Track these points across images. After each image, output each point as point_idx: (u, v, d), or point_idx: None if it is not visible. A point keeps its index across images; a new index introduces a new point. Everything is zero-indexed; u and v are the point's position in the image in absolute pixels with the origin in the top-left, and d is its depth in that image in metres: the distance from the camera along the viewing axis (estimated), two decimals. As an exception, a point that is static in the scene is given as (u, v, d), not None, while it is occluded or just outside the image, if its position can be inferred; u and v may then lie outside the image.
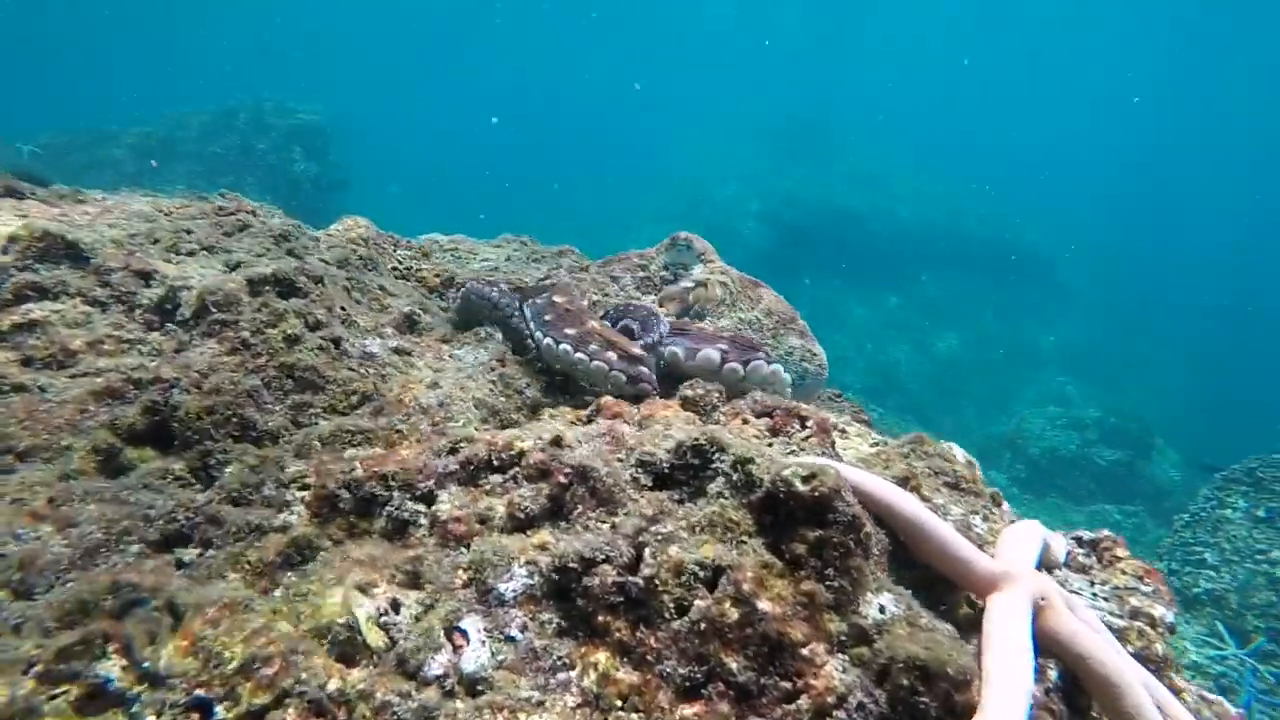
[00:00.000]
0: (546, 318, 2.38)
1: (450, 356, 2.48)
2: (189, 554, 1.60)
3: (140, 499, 1.71)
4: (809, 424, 2.03)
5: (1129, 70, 50.34)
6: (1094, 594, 1.80)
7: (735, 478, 1.58)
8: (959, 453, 1.99)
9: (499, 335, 2.66)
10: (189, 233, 2.75)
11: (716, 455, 1.63)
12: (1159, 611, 1.78)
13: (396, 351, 2.36)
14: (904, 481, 1.71)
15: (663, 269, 3.43)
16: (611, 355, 2.23)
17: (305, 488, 1.73)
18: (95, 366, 2.12)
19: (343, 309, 2.51)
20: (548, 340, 2.32)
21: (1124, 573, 1.82)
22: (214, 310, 2.25)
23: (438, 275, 3.62)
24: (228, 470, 1.79)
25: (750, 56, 50.00)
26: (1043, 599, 1.50)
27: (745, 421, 2.07)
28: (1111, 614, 1.72)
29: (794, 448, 1.99)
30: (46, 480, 1.74)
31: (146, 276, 2.40)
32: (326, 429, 1.93)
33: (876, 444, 2.17)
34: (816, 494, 1.47)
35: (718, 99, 41.82)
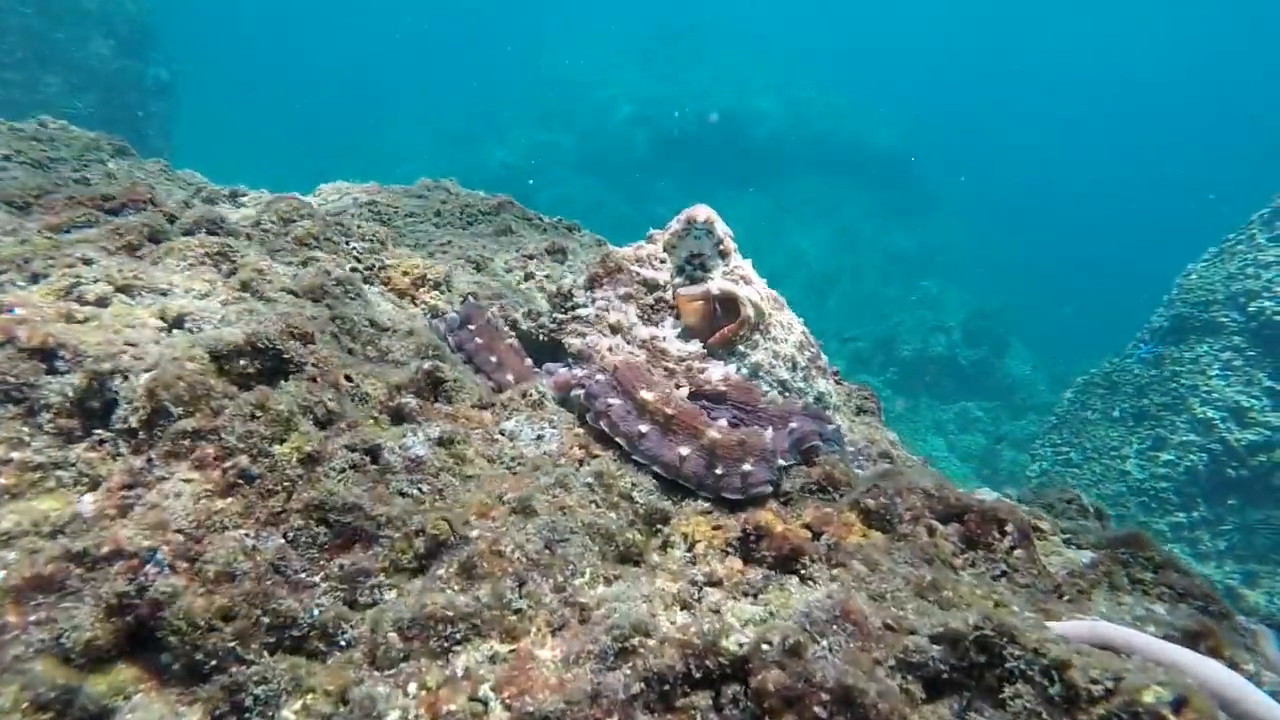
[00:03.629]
0: (642, 428, 1.79)
1: (504, 436, 1.87)
2: None
3: (153, 799, 1.07)
4: (1008, 530, 1.64)
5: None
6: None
7: (1052, 690, 1.17)
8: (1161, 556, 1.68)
9: (549, 392, 2.06)
10: (88, 263, 1.90)
11: (1007, 650, 1.21)
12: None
13: (441, 444, 1.73)
14: (1196, 639, 1.37)
15: (678, 273, 2.69)
16: (748, 468, 1.72)
17: (423, 747, 1.15)
18: (-2, 527, 1.36)
19: (348, 378, 1.81)
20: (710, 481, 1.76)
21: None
22: (177, 413, 1.51)
23: (406, 273, 2.88)
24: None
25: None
26: None
27: (931, 531, 1.65)
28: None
29: (1001, 566, 1.60)
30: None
31: (47, 355, 1.59)
32: (405, 613, 1.32)
33: (1069, 537, 1.83)
34: (1194, 728, 1.09)
35: (589, 2, 39.35)
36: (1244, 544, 11.58)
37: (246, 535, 1.36)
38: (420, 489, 1.59)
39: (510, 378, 2.12)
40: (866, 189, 30.49)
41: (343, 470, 1.52)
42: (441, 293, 2.96)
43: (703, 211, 2.55)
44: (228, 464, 1.45)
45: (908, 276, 28.15)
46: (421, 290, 2.90)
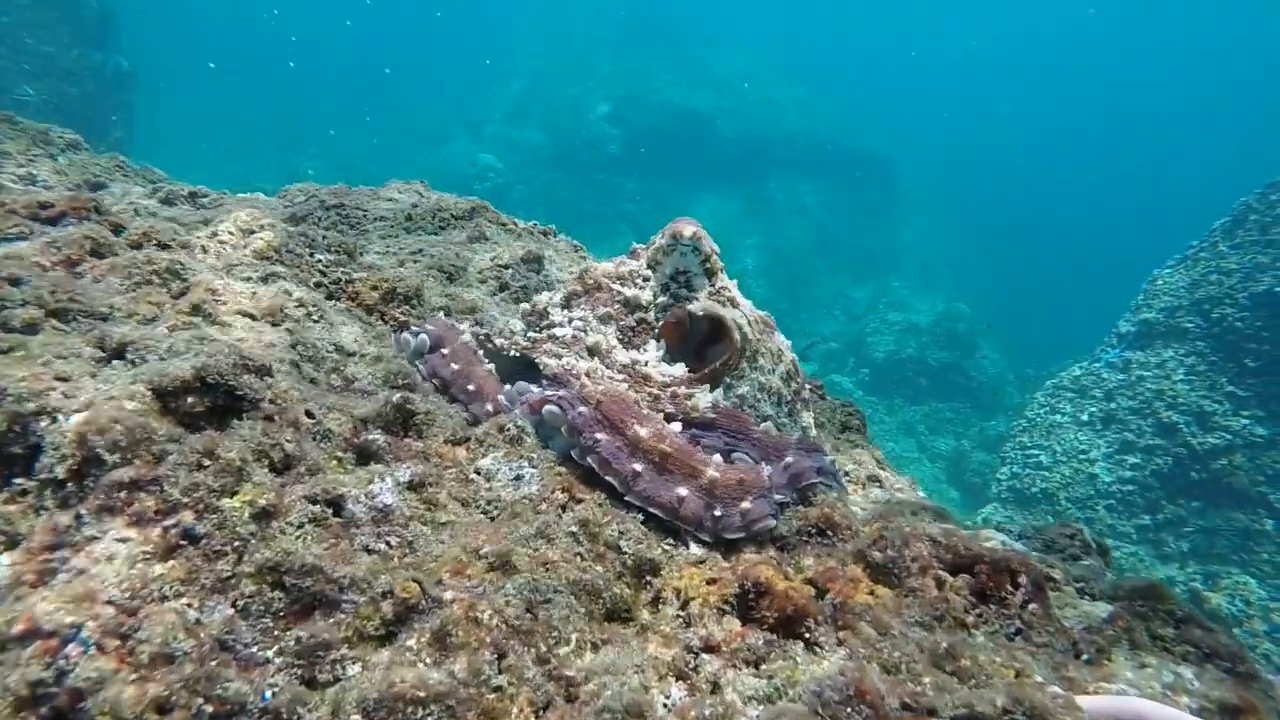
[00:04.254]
0: (636, 467, 1.67)
1: (480, 476, 1.73)
2: None
3: None
4: (1021, 582, 1.54)
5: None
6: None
7: (1088, 784, 1.06)
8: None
9: (526, 424, 1.91)
10: (15, 283, 1.71)
11: (1039, 735, 1.10)
12: None
13: (412, 488, 1.58)
14: (1236, 715, 1.28)
15: (662, 291, 2.35)
16: (747, 506, 1.62)
17: None
18: (-99, 597, 1.19)
19: (308, 414, 1.66)
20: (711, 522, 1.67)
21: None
22: (111, 461, 1.35)
23: (374, 287, 2.72)
24: (230, 835, 1.02)
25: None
26: None
27: (940, 584, 1.54)
28: None
29: (1016, 623, 1.50)
30: None
31: (-36, 393, 1.42)
32: (370, 692, 1.18)
33: (1082, 585, 1.74)
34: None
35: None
36: (1205, 546, 11.79)
37: (189, 606, 1.21)
38: (388, 542, 1.44)
39: (489, 408, 1.98)
40: (840, 188, 30.61)
41: (301, 525, 1.37)
42: (412, 307, 2.80)
43: (689, 226, 2.39)
44: (169, 521, 1.29)
45: (880, 277, 28.34)
46: (391, 305, 2.74)
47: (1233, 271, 12.75)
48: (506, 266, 3.84)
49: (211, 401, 1.54)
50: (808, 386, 2.85)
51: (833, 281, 28.74)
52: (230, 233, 2.48)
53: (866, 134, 32.92)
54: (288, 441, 1.51)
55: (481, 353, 2.18)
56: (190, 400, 1.51)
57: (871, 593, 1.46)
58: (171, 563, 1.25)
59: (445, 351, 2.11)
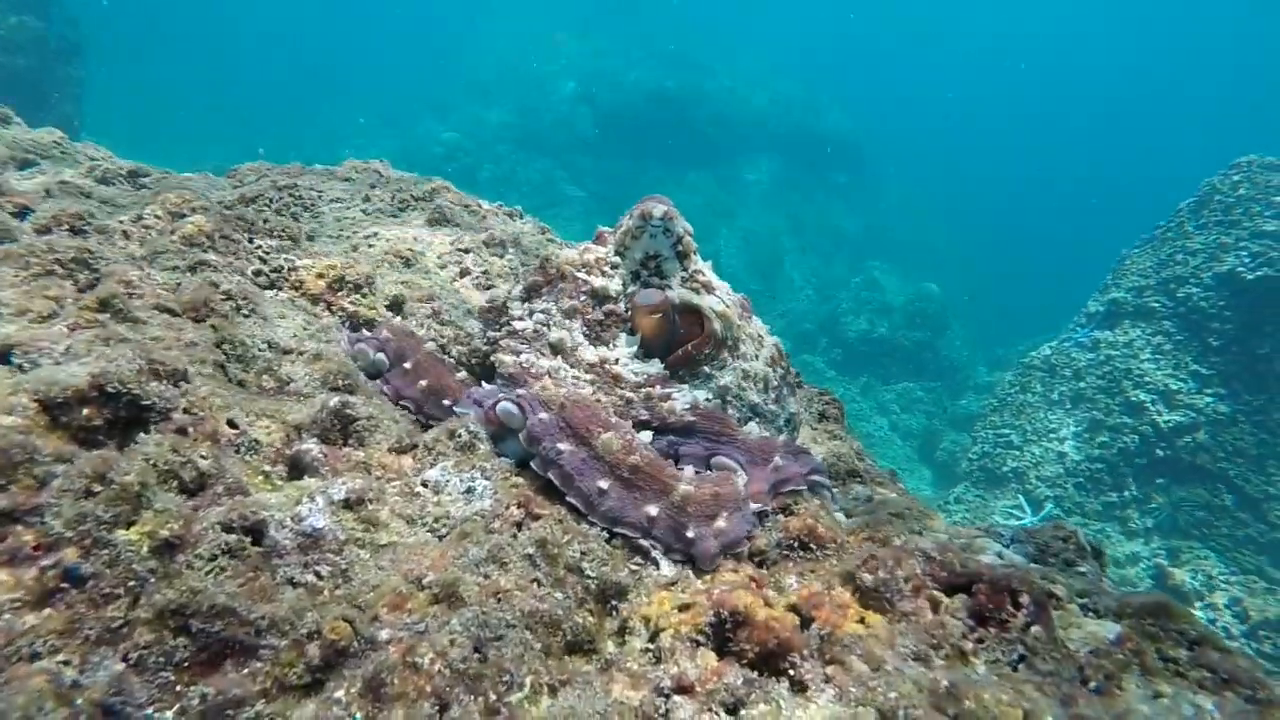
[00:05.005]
0: (602, 484, 1.51)
1: (427, 488, 1.55)
2: None
3: None
4: (1023, 601, 1.41)
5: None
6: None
7: None
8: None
9: (480, 429, 1.73)
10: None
11: (1057, 796, 0.97)
12: None
13: (349, 506, 1.40)
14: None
15: (632, 279, 2.16)
16: (721, 524, 1.47)
17: None
18: None
19: (231, 424, 1.46)
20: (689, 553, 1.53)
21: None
22: (-17, 488, 1.15)
23: (320, 275, 2.51)
24: None
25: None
26: None
27: (936, 605, 1.40)
28: None
29: (1019, 648, 1.36)
30: None
31: None
32: (288, 759, 1.01)
33: (1085, 602, 1.61)
34: None
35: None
36: (1169, 522, 11.97)
37: (66, 664, 1.02)
38: (318, 573, 1.26)
39: None
40: (813, 170, 30.50)
41: (213, 558, 1.19)
42: (363, 296, 2.60)
43: (659, 205, 2.19)
44: (48, 560, 1.10)
45: (852, 258, 28.32)
46: (339, 295, 2.53)
47: (1197, 251, 12.86)
48: (467, 250, 3.63)
49: (113, 413, 1.34)
50: (793, 373, 2.71)
51: (805, 262, 28.69)
52: (157, 216, 2.25)
53: (840, 116, 32.81)
54: (202, 458, 1.32)
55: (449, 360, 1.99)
56: (86, 413, 1.31)
57: (862, 620, 1.31)
58: (47, 611, 1.06)
59: (408, 366, 1.91)
